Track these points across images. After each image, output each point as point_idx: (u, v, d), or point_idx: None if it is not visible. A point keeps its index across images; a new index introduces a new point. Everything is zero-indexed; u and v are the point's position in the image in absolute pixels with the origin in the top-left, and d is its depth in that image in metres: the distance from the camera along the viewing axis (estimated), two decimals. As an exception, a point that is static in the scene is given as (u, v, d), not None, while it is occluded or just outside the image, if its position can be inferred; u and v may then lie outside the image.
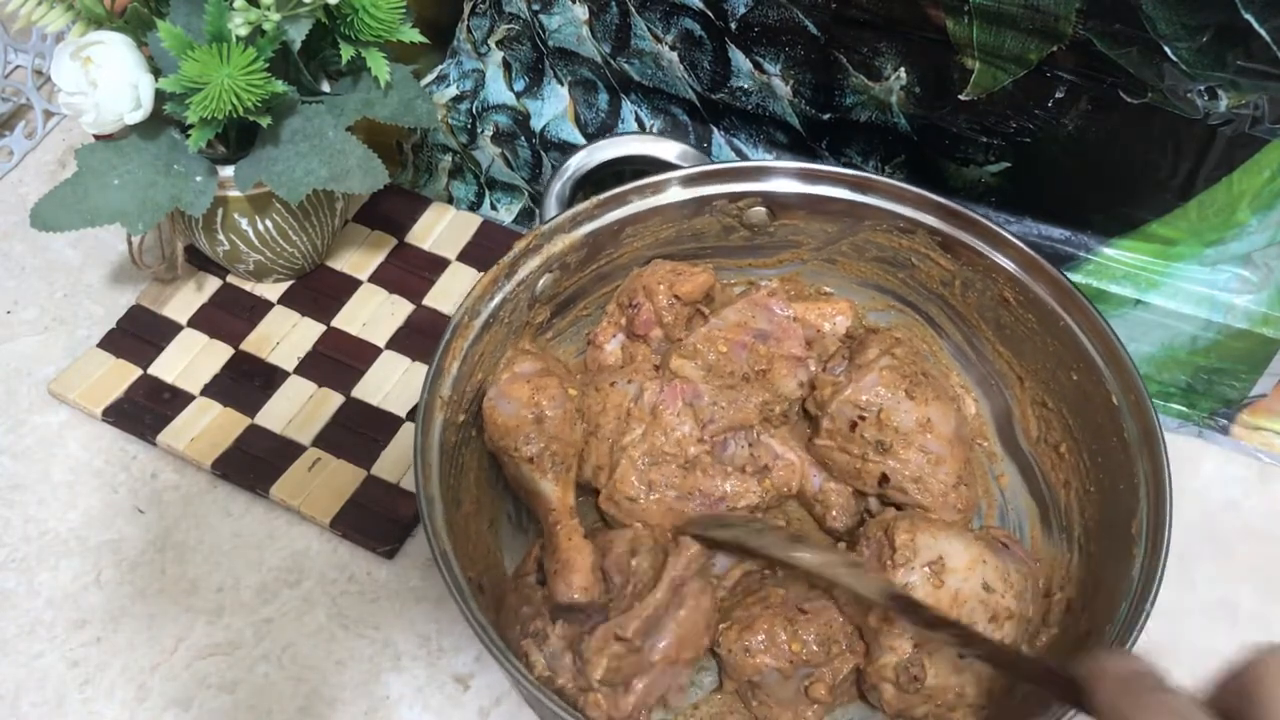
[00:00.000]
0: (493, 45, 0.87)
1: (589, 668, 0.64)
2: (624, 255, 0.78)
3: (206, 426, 0.82)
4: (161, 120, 0.76)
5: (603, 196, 0.75)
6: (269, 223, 0.82)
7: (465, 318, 0.71)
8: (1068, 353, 0.72)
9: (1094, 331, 0.71)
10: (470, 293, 0.71)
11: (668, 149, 0.82)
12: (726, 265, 0.82)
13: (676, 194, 0.76)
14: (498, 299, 0.73)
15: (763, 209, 0.78)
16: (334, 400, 0.83)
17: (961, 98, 0.76)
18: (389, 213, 0.93)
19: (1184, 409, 0.85)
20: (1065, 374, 0.73)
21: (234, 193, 0.79)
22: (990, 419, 0.80)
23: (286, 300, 0.88)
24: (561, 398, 0.72)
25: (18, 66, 1.02)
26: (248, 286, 0.89)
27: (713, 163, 0.80)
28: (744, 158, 0.86)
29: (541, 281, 0.75)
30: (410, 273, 0.90)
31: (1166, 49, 0.68)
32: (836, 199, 0.77)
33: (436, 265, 0.90)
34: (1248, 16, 0.65)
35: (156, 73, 0.74)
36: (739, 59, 0.80)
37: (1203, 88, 0.70)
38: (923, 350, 0.81)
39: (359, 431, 0.82)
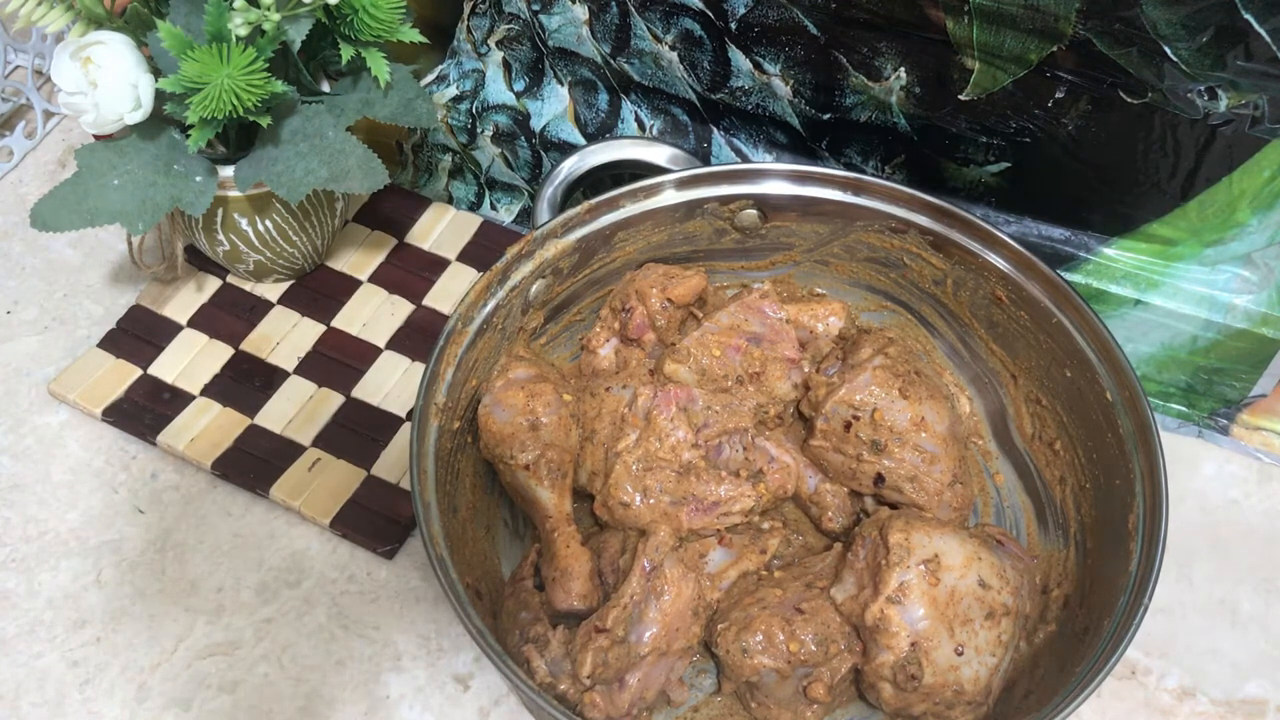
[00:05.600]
0: (493, 45, 0.87)
1: (577, 665, 0.64)
2: (616, 259, 0.78)
3: (206, 426, 0.82)
4: (161, 120, 0.76)
5: (594, 201, 0.75)
6: (269, 223, 0.82)
7: (459, 324, 0.71)
8: (1061, 350, 0.73)
9: (1088, 328, 0.71)
10: (464, 299, 0.71)
11: (659, 153, 0.82)
12: (719, 268, 0.82)
13: (668, 197, 0.76)
14: (491, 305, 0.73)
15: (754, 211, 0.78)
16: (334, 400, 0.83)
17: (961, 98, 0.76)
18: (389, 213, 0.93)
19: (1184, 409, 0.85)
20: (1059, 371, 0.73)
21: (234, 193, 0.79)
22: (985, 417, 0.80)
23: (286, 300, 0.88)
24: (556, 404, 0.72)
25: (18, 66, 1.02)
26: (248, 286, 0.89)
27: (704, 166, 0.80)
28: (744, 158, 0.86)
29: (534, 287, 0.75)
30: (410, 273, 0.90)
31: (1166, 49, 0.68)
32: (828, 200, 0.77)
33: (436, 265, 0.91)
34: (1248, 16, 0.65)
35: (156, 73, 0.74)
36: (739, 59, 0.80)
37: (1203, 88, 0.70)
38: (916, 349, 0.81)
39: (359, 431, 0.82)
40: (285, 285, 0.89)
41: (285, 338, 0.87)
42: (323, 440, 0.82)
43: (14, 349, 0.87)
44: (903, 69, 0.76)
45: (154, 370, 0.84)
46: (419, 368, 0.85)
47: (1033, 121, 0.75)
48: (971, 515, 0.76)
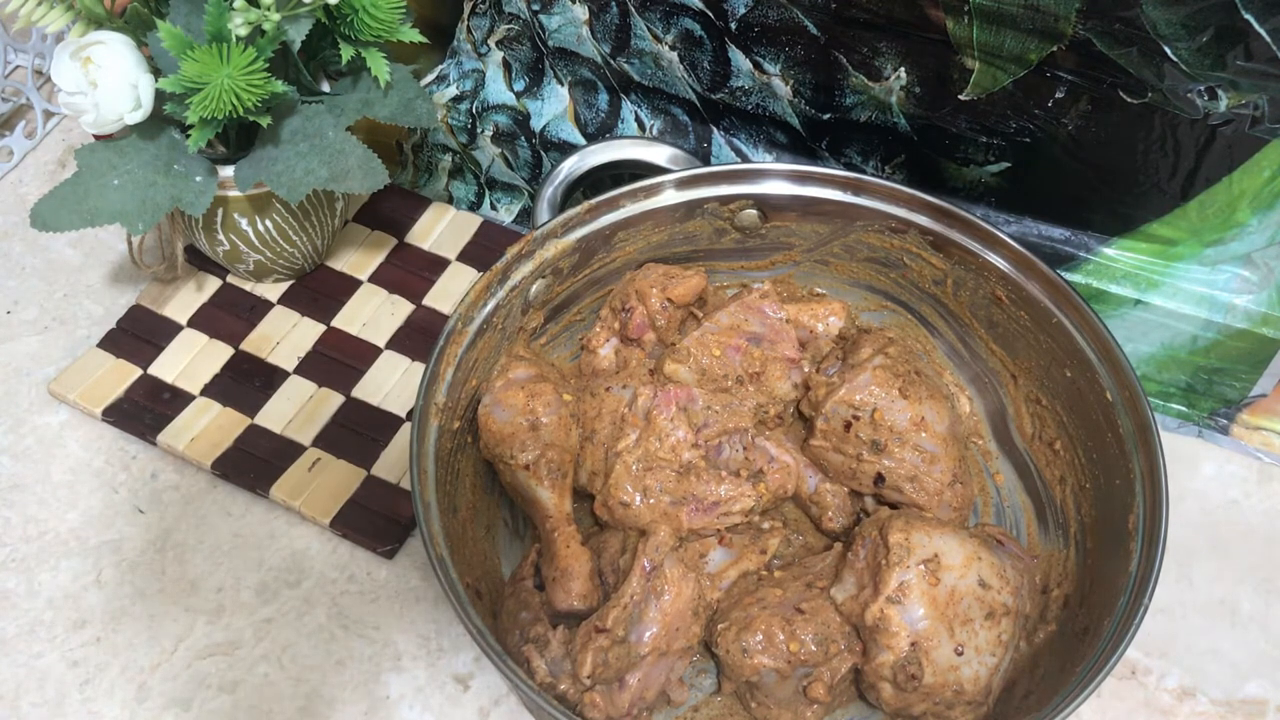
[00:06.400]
0: (493, 45, 0.87)
1: (577, 665, 0.64)
2: (616, 259, 0.78)
3: (206, 426, 0.82)
4: (161, 120, 0.76)
5: (594, 201, 0.75)
6: (269, 223, 0.82)
7: (459, 324, 0.71)
8: (1061, 350, 0.73)
9: (1088, 328, 0.71)
10: (464, 299, 0.71)
11: (659, 153, 0.82)
12: (719, 268, 0.82)
13: (668, 197, 0.76)
14: (491, 305, 0.73)
15: (754, 211, 0.78)
16: (334, 400, 0.83)
17: (961, 98, 0.76)
18: (389, 213, 0.93)
19: (1184, 409, 0.85)
20: (1059, 371, 0.73)
21: (234, 193, 0.79)
22: (985, 417, 0.80)
23: (286, 300, 0.88)
24: (556, 404, 0.72)
25: (18, 66, 1.02)
26: (248, 286, 0.89)
27: (704, 166, 0.80)
28: (744, 158, 0.86)
29: (534, 287, 0.75)
30: (410, 273, 0.90)
31: (1166, 49, 0.68)
32: (828, 200, 0.77)
33: (436, 265, 0.91)
34: (1248, 16, 0.65)
35: (156, 73, 0.74)
36: (739, 59, 0.80)
37: (1203, 88, 0.70)
38: (916, 349, 0.81)
39: (359, 431, 0.82)
40: (285, 285, 0.89)
41: (285, 338, 0.87)
42: (323, 440, 0.82)
43: (14, 349, 0.87)
44: (903, 69, 0.76)
45: (154, 370, 0.84)
46: (419, 368, 0.85)
47: (1033, 121, 0.75)
48: (971, 515, 0.76)
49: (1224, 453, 0.84)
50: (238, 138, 0.80)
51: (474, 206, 0.96)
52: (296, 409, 0.83)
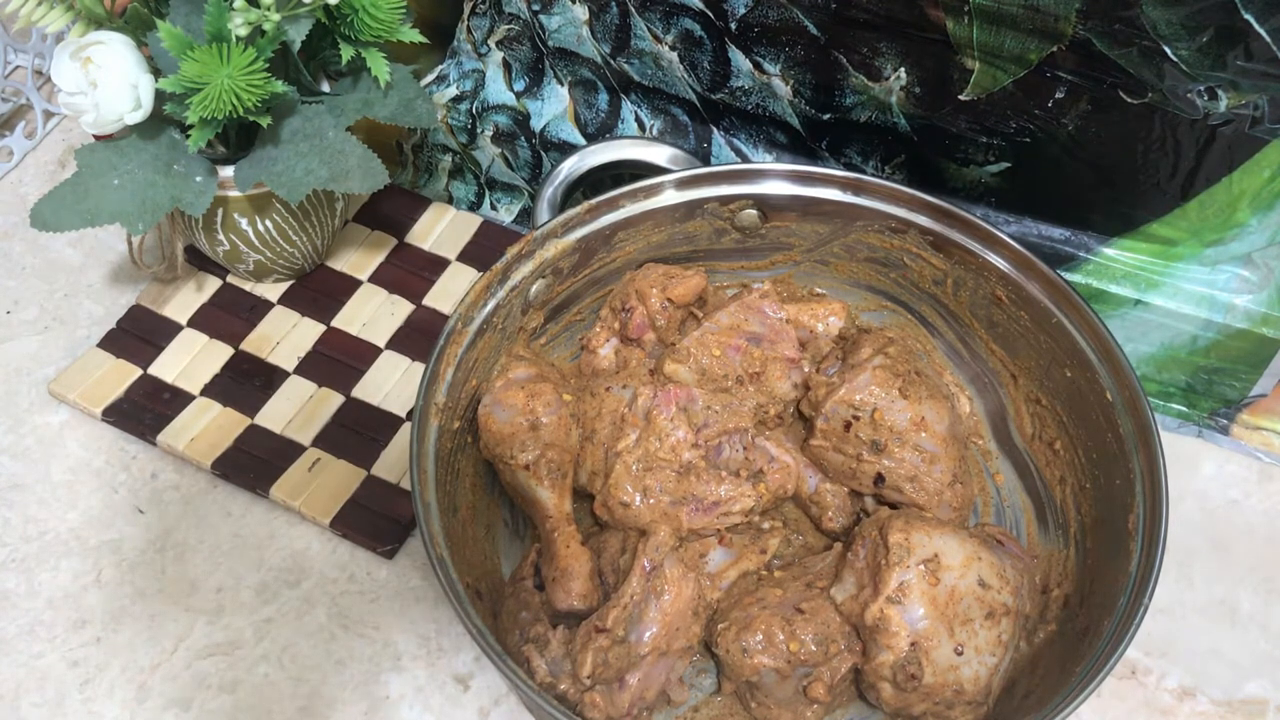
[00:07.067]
0: (493, 45, 0.87)
1: (577, 665, 0.64)
2: (616, 259, 0.78)
3: (206, 426, 0.82)
4: (161, 120, 0.76)
5: (594, 201, 0.75)
6: (269, 223, 0.82)
7: (459, 324, 0.71)
8: (1061, 350, 0.73)
9: (1088, 328, 0.71)
10: (464, 299, 0.71)
11: (659, 153, 0.82)
12: (719, 268, 0.82)
13: (668, 197, 0.77)
14: (491, 305, 0.73)
15: (754, 211, 0.78)
16: (334, 400, 0.83)
17: (961, 98, 0.76)
18: (389, 213, 0.93)
19: (1184, 409, 0.85)
20: (1059, 371, 0.73)
21: (234, 193, 0.79)
22: (985, 417, 0.80)
23: (286, 300, 0.88)
24: (556, 404, 0.72)
25: (18, 66, 1.02)
26: (248, 286, 0.89)
27: (704, 166, 0.80)
28: (744, 158, 0.86)
29: (535, 287, 0.75)
30: (410, 273, 0.90)
31: (1166, 49, 0.68)
32: (828, 200, 0.77)
33: (436, 265, 0.91)
34: (1248, 17, 0.65)
35: (156, 73, 0.74)
36: (739, 59, 0.80)
37: (1203, 88, 0.70)
38: (916, 349, 0.81)
39: (359, 431, 0.82)
40: (285, 285, 0.89)
41: (285, 338, 0.87)
42: (323, 440, 0.82)
43: (14, 349, 0.87)
44: (903, 69, 0.76)
45: (154, 370, 0.84)
46: (419, 368, 0.85)
47: (1033, 121, 0.75)
48: (971, 515, 0.76)
49: (1224, 453, 0.84)
50: (238, 138, 0.80)
51: (474, 206, 0.96)
52: (296, 409, 0.83)
